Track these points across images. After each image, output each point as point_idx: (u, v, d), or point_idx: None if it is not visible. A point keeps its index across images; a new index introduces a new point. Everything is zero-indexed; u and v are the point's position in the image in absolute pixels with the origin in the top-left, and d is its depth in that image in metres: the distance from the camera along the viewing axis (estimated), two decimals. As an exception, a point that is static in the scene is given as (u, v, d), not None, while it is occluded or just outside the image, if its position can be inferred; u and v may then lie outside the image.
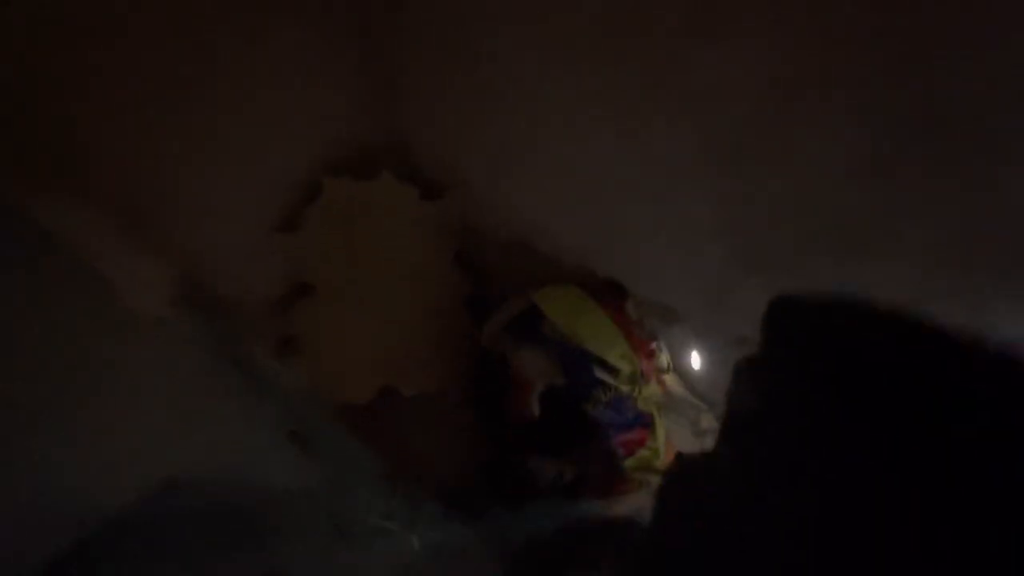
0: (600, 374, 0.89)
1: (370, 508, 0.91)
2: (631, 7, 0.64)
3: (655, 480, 0.92)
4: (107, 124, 0.78)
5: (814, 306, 0.38)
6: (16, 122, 0.70)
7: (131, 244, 0.87)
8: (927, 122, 0.54)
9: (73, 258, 0.78)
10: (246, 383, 1.03)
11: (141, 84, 0.77)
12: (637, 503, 0.91)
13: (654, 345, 0.94)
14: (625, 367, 0.90)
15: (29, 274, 0.73)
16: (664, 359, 0.96)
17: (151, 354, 0.88)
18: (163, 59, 0.78)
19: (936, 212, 0.59)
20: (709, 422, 0.98)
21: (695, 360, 0.96)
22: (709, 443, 0.97)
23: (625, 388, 0.90)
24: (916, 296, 0.67)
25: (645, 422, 0.92)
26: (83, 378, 0.77)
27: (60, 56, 0.69)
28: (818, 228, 0.69)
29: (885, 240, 0.64)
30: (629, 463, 0.92)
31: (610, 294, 0.97)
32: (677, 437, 0.94)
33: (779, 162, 0.67)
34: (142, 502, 0.82)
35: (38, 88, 0.69)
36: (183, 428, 0.91)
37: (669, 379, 0.97)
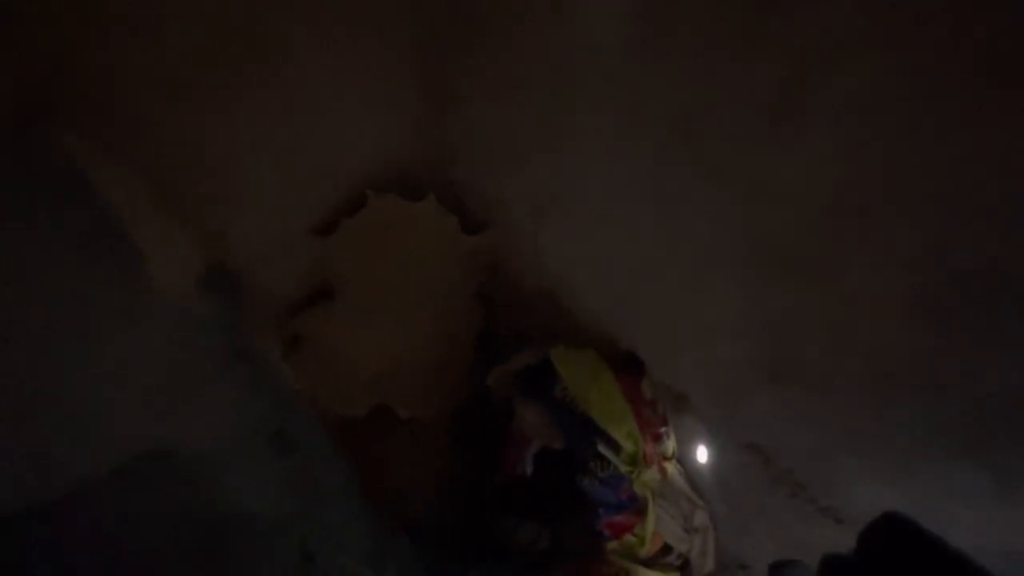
0: (602, 448, 0.87)
1: (341, 541, 0.88)
2: (704, 94, 0.63)
3: (635, 570, 0.88)
4: (169, 98, 0.79)
5: (920, 543, 0.39)
6: (83, 82, 0.71)
7: (170, 218, 0.88)
8: (990, 285, 0.52)
9: (110, 217, 0.79)
10: (247, 373, 1.02)
11: (209, 67, 0.78)
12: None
13: (663, 430, 0.91)
14: (629, 446, 0.87)
15: (57, 221, 0.72)
16: (670, 446, 0.93)
17: (162, 327, 0.88)
18: (238, 48, 0.79)
19: (975, 376, 0.56)
20: (701, 519, 0.94)
21: (701, 454, 0.93)
22: (698, 542, 0.93)
23: (624, 468, 0.87)
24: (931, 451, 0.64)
25: (637, 507, 0.88)
26: (89, 336, 0.76)
27: (132, 30, 0.70)
28: (848, 356, 0.67)
29: (920, 390, 0.61)
30: (612, 546, 0.89)
31: (628, 368, 0.95)
32: (666, 529, 0.90)
33: (824, 281, 0.65)
34: (111, 475, 0.80)
35: (112, 55, 0.71)
36: (174, 405, 0.89)
37: (670, 467, 0.94)
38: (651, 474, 0.89)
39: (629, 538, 0.88)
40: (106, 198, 0.76)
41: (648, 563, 0.89)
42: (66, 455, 0.80)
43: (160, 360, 0.87)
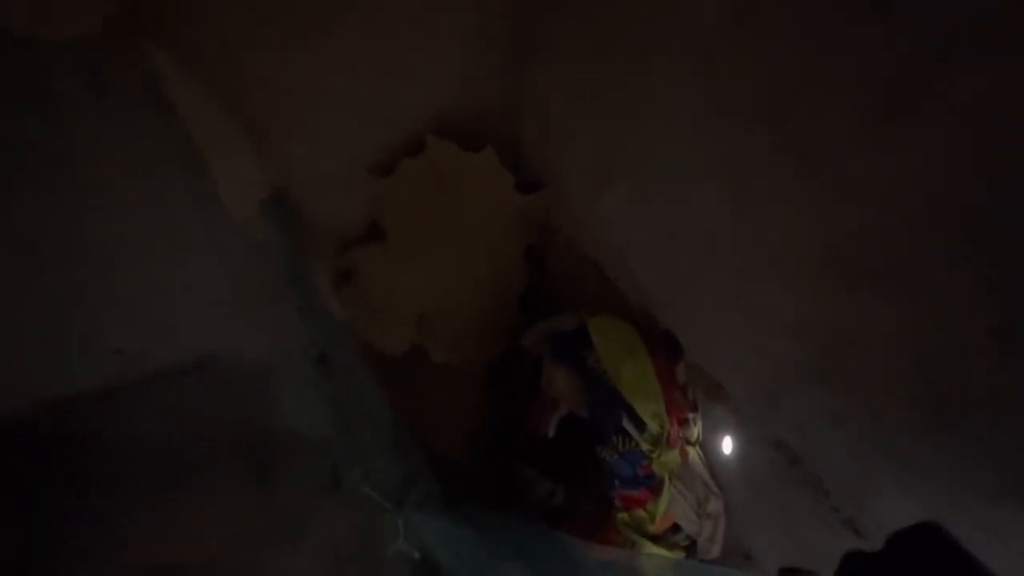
0: (626, 424, 0.87)
1: (368, 468, 0.94)
2: (807, 75, 0.58)
3: (641, 543, 0.90)
4: (257, 22, 0.80)
5: (957, 559, 0.37)
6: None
7: (242, 143, 0.91)
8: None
9: (187, 137, 0.82)
10: (300, 298, 1.07)
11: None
12: (612, 557, 0.89)
13: (691, 415, 0.90)
14: (654, 426, 0.87)
15: (136, 137, 0.76)
16: (695, 432, 0.92)
17: (226, 246, 0.93)
18: None
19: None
20: (715, 507, 0.94)
21: (726, 444, 0.91)
22: (708, 528, 0.94)
23: (646, 446, 0.87)
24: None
25: (653, 484, 0.89)
26: (161, 248, 0.82)
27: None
28: (911, 373, 0.63)
29: (981, 421, 0.57)
30: (622, 517, 0.90)
31: (664, 348, 0.93)
32: (679, 510, 0.91)
33: (901, 293, 0.60)
34: (176, 372, 0.87)
35: None
36: (233, 319, 0.96)
37: (692, 452, 0.94)
38: (672, 456, 0.89)
39: (640, 512, 0.90)
40: (185, 118, 0.80)
41: (655, 539, 0.91)
42: (139, 351, 0.88)
43: (223, 276, 0.93)
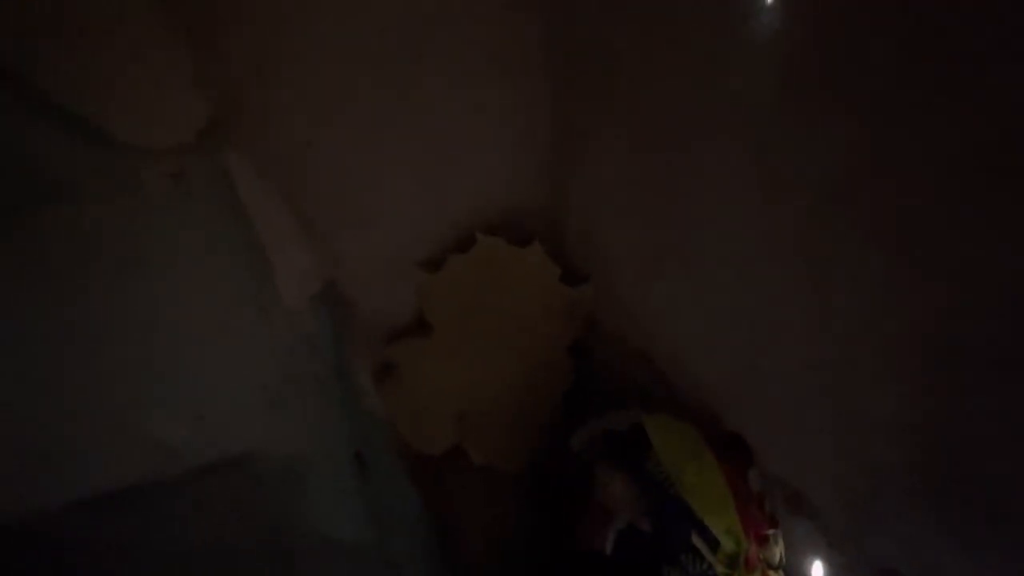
0: (696, 540, 0.76)
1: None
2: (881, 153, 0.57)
3: None
4: (317, 127, 0.86)
5: None
6: (254, 109, 0.80)
7: (299, 239, 0.95)
8: None
9: (252, 232, 0.86)
10: (341, 393, 1.05)
11: (353, 100, 0.85)
12: None
13: (770, 532, 0.79)
14: (728, 544, 0.76)
15: (209, 227, 0.79)
16: (778, 553, 0.80)
17: (279, 336, 0.94)
18: (380, 82, 0.85)
19: None
20: (809, 651, 0.79)
21: (816, 570, 0.79)
22: None
23: (721, 569, 0.76)
24: None
25: (731, 617, 0.76)
26: (218, 332, 0.82)
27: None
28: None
29: None
30: (696, 658, 0.76)
31: (733, 452, 0.84)
32: (764, 653, 0.76)
33: (1015, 381, 0.53)
34: (192, 474, 0.84)
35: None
36: (275, 410, 0.94)
37: (776, 578, 0.81)
38: (753, 582, 0.76)
39: (717, 653, 0.76)
40: (252, 215, 0.85)
41: None
42: (177, 446, 0.86)
43: (269, 367, 0.93)
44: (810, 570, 0.79)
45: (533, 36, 0.90)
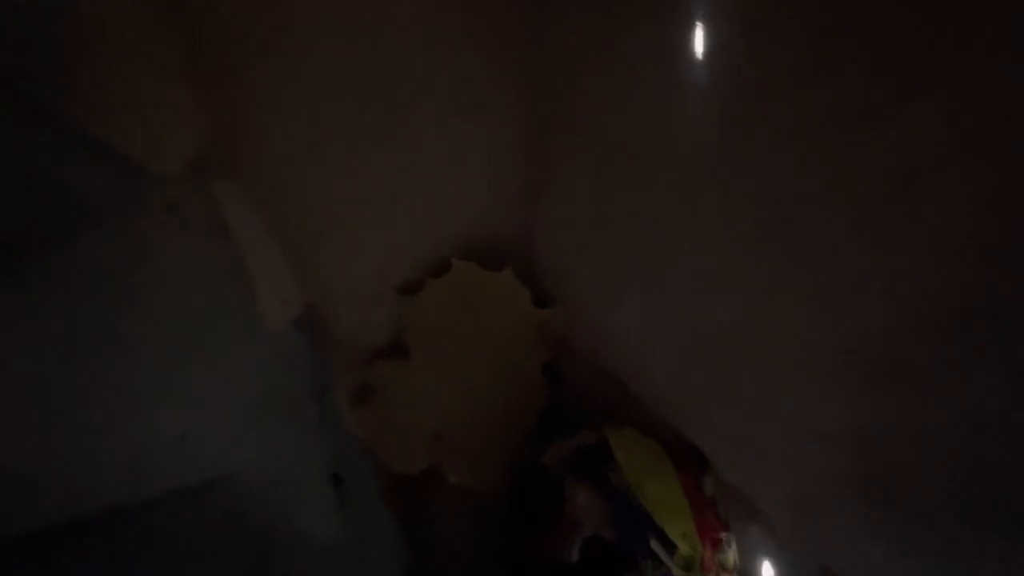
0: (655, 546, 0.81)
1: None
2: (811, 179, 0.63)
3: None
4: (303, 161, 0.92)
5: None
6: (243, 143, 0.86)
7: (282, 262, 1.00)
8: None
9: (238, 256, 0.91)
10: (319, 413, 1.08)
11: (339, 136, 0.92)
12: None
13: (723, 536, 0.84)
14: (685, 548, 0.81)
15: (197, 249, 0.83)
16: (731, 556, 0.85)
17: (261, 356, 0.97)
18: (367, 120, 0.92)
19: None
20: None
21: (766, 571, 0.84)
22: None
23: (678, 572, 0.81)
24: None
25: (690, 620, 0.80)
26: (195, 345, 0.85)
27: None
28: (956, 485, 0.60)
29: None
30: (657, 660, 0.80)
31: (689, 462, 0.90)
32: (721, 654, 0.81)
33: (934, 394, 0.60)
34: (173, 494, 0.86)
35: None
36: (246, 433, 0.96)
37: (731, 582, 0.86)
38: (709, 585, 0.81)
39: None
40: (238, 240, 0.89)
41: None
42: (156, 465, 0.88)
43: (253, 387, 0.96)
44: (760, 570, 0.85)
45: (507, 80, 0.99)
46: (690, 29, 0.67)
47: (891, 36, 0.51)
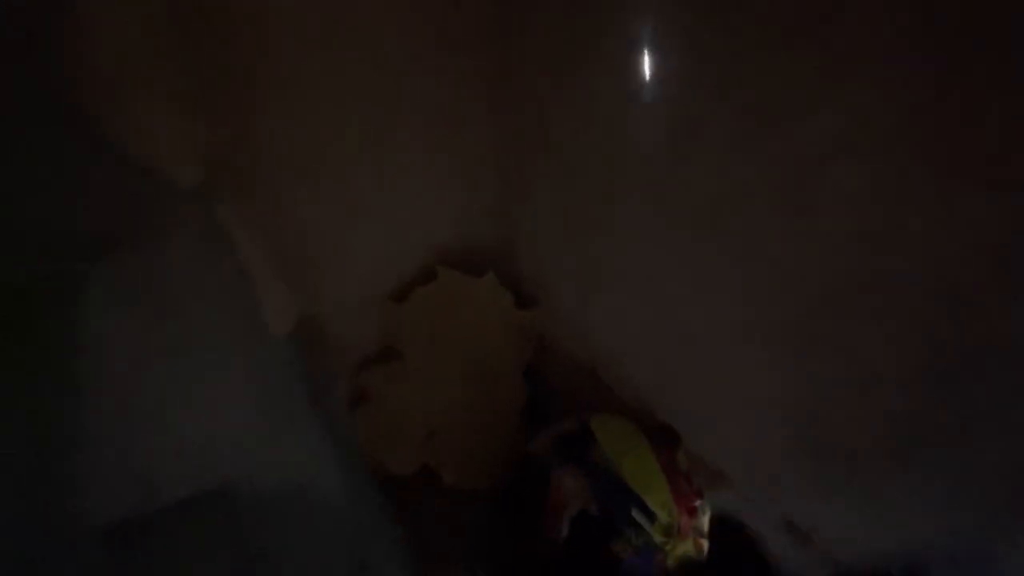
0: (637, 516, 0.89)
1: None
2: (729, 185, 0.75)
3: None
4: (295, 183, 1.00)
5: None
6: (242, 165, 0.94)
7: (280, 276, 1.06)
8: (1003, 352, 0.57)
9: (242, 269, 0.97)
10: (319, 421, 1.13)
11: (329, 157, 1.00)
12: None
13: (698, 503, 0.92)
14: (663, 516, 0.89)
15: (203, 265, 0.90)
16: (705, 521, 0.93)
17: (264, 364, 1.02)
18: (353, 142, 1.01)
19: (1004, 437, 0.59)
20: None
21: (737, 530, 0.92)
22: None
23: (658, 538, 0.88)
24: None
25: (671, 582, 0.88)
26: (215, 358, 0.91)
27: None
28: (876, 428, 0.71)
29: (945, 459, 0.64)
30: (643, 622, 0.87)
31: (663, 439, 0.99)
32: (700, 611, 0.88)
33: (842, 356, 0.71)
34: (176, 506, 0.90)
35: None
36: (247, 442, 1.01)
37: (706, 545, 0.94)
38: (686, 547, 0.89)
39: (661, 616, 0.87)
40: (240, 255, 0.96)
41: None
42: (161, 479, 0.92)
43: (253, 396, 1.01)
44: (731, 530, 0.93)
45: (481, 98, 1.09)
46: (638, 55, 0.78)
47: (782, 71, 0.63)
